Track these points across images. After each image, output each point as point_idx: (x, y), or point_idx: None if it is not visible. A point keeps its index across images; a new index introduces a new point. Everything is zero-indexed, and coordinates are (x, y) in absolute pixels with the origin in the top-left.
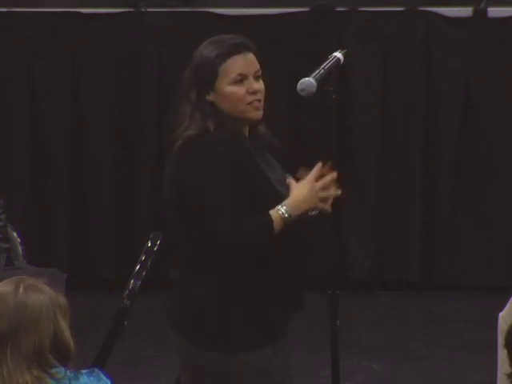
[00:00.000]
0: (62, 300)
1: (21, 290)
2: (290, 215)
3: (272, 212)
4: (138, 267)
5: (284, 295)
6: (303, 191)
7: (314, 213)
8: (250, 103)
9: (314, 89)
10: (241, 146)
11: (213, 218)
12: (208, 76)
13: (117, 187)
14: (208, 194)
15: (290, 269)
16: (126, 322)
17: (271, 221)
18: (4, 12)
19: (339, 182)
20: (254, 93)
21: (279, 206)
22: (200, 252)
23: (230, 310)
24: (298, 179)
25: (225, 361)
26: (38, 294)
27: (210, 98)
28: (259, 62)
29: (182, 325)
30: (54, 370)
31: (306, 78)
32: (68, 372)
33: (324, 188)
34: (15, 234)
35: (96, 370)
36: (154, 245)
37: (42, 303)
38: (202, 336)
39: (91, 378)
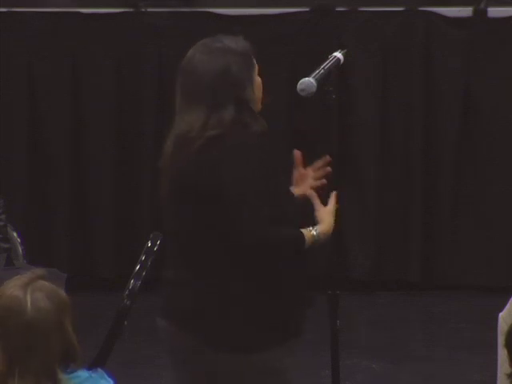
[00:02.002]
0: (63, 297)
1: (29, 303)
2: (319, 239)
3: (304, 231)
4: (137, 267)
5: (298, 295)
6: (331, 219)
7: None
8: None
9: (314, 89)
10: (271, 144)
11: (251, 221)
12: (249, 69)
13: (117, 187)
14: (249, 194)
15: (301, 269)
16: (126, 322)
17: (303, 237)
18: (4, 12)
19: (339, 181)
20: None
21: (312, 228)
22: (220, 252)
23: (246, 310)
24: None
25: (239, 361)
26: (46, 304)
27: (247, 94)
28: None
29: (195, 325)
30: (60, 377)
31: (306, 78)
32: (65, 375)
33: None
34: (15, 234)
35: (100, 370)
36: (153, 245)
37: (50, 314)
38: (215, 336)
39: (93, 375)
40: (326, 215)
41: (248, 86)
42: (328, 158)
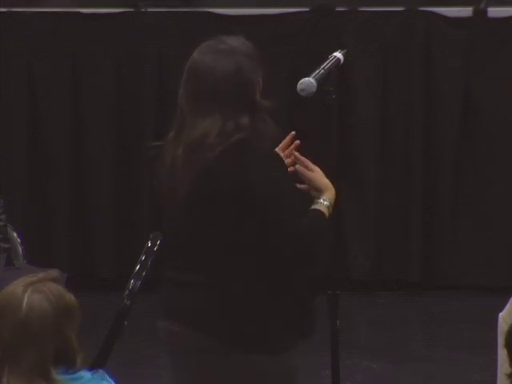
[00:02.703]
0: (69, 300)
1: (24, 302)
2: (331, 206)
3: (318, 207)
4: (138, 267)
5: (312, 293)
6: (327, 181)
7: None
8: None
9: (314, 89)
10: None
11: (293, 221)
12: (257, 70)
13: (117, 187)
14: (285, 195)
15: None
16: (126, 322)
17: (324, 214)
18: (4, 12)
19: (339, 181)
20: None
21: (322, 200)
22: (242, 253)
23: (271, 311)
24: None
25: (266, 361)
26: (43, 305)
27: (257, 96)
28: None
29: (220, 327)
30: (55, 377)
31: (306, 78)
32: (67, 376)
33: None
34: (15, 234)
35: (101, 371)
36: (153, 245)
37: (47, 316)
38: (242, 337)
39: (94, 376)
40: (322, 180)
41: (257, 88)
42: (293, 133)
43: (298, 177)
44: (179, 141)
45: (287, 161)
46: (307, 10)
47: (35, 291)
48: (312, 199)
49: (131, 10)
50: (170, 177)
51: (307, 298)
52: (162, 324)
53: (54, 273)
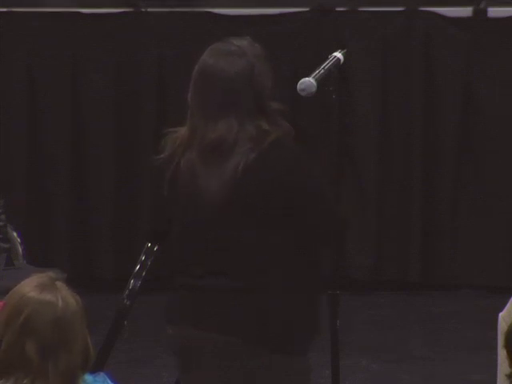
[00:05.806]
0: (79, 301)
1: (59, 297)
2: None
3: None
4: (137, 267)
5: (321, 290)
6: None
7: None
8: None
9: (314, 89)
10: None
11: (335, 209)
12: (268, 72)
13: (117, 187)
14: (325, 190)
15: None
16: (125, 322)
17: None
18: (4, 12)
19: (339, 181)
20: None
21: None
22: (277, 254)
23: (296, 310)
24: None
25: (291, 362)
26: (73, 302)
27: (270, 97)
28: None
29: (247, 330)
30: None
31: (306, 78)
32: None
33: None
34: (15, 234)
35: (102, 374)
36: (154, 245)
37: (78, 318)
38: (269, 338)
39: (96, 379)
40: None
41: (269, 89)
42: None
43: None
44: (192, 144)
45: None
46: (307, 9)
47: (62, 288)
48: None
49: (131, 9)
50: (188, 182)
51: (320, 296)
52: (175, 328)
53: (55, 273)
